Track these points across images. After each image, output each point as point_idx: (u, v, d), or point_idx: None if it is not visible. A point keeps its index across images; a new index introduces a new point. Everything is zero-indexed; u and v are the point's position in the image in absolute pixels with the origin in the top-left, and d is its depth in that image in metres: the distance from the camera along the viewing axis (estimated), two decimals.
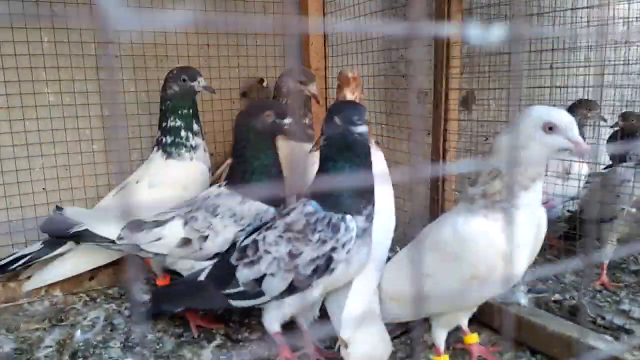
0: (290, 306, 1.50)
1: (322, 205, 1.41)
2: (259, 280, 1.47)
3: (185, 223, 1.77)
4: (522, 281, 1.66)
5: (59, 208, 1.96)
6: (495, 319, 1.65)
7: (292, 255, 1.42)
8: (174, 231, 1.78)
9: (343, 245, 1.39)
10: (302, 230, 1.41)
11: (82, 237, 1.87)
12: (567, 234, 2.30)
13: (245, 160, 1.77)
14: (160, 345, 1.71)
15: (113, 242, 1.83)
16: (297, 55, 2.71)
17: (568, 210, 2.60)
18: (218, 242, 1.73)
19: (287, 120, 1.76)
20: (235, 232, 1.71)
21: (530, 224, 1.33)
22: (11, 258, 1.97)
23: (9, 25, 2.03)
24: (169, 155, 2.07)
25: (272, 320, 1.53)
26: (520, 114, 1.32)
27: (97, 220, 1.88)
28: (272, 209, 1.74)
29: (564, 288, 2.00)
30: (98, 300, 2.03)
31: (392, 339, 1.71)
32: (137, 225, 1.81)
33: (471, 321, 1.68)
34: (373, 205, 1.43)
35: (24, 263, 1.96)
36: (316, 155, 2.14)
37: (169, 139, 2.07)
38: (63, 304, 2.01)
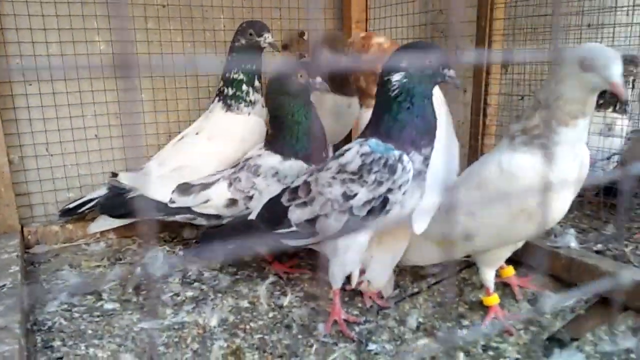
0: (346, 250, 1.51)
1: (382, 139, 1.41)
2: (312, 220, 1.49)
3: (230, 184, 1.84)
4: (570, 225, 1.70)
5: (114, 175, 2.00)
6: (544, 262, 1.69)
7: (347, 197, 1.42)
8: (220, 192, 1.84)
9: (400, 187, 1.39)
10: (357, 171, 1.41)
11: (137, 203, 1.91)
12: (606, 190, 2.31)
13: (284, 126, 1.77)
14: (217, 281, 1.79)
15: (166, 205, 1.88)
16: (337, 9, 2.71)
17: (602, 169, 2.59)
18: (263, 201, 1.74)
19: (318, 79, 1.75)
20: (279, 189, 1.71)
21: (573, 161, 1.37)
22: (79, 202, 2.07)
23: None
24: (228, 107, 2.10)
25: (337, 274, 1.53)
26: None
27: (151, 185, 1.94)
28: (313, 167, 1.73)
29: (605, 239, 2.03)
30: (152, 242, 2.11)
31: (440, 281, 1.79)
32: (185, 188, 1.88)
33: (519, 264, 1.73)
34: (432, 148, 1.44)
35: (90, 207, 2.05)
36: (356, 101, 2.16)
37: (230, 91, 2.10)
38: (118, 246, 2.10)
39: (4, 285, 1.53)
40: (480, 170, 1.50)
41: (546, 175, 1.35)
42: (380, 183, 1.39)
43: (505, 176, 1.39)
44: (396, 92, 1.37)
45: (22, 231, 2.05)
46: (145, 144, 2.34)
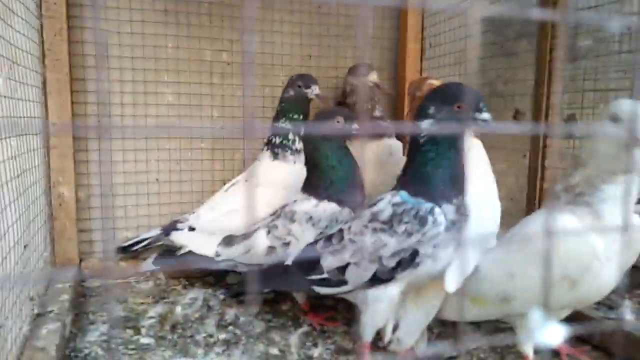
0: (376, 302, 1.49)
1: (411, 193, 1.39)
2: (343, 268, 1.47)
3: (268, 232, 1.86)
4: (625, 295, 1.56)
5: (167, 233, 2.11)
6: (595, 335, 1.55)
7: (377, 246, 1.41)
8: (260, 241, 1.87)
9: (430, 240, 1.34)
10: (388, 221, 1.39)
11: (187, 259, 2.01)
12: None
13: (320, 170, 1.79)
14: (251, 326, 1.79)
15: (213, 259, 1.94)
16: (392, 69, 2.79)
17: None
18: (300, 247, 1.75)
19: (356, 125, 1.78)
20: (314, 235, 1.74)
21: (621, 222, 1.27)
22: (133, 241, 2.19)
23: (141, 32, 2.30)
24: (275, 156, 2.19)
25: (367, 326, 1.49)
26: None
27: (198, 242, 2.03)
28: (346, 210, 1.75)
29: None
30: (196, 284, 2.17)
31: (480, 347, 1.68)
32: (229, 241, 1.93)
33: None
34: (464, 196, 1.38)
35: (144, 246, 2.17)
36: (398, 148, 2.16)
37: (277, 140, 2.19)
38: (165, 285, 2.17)
39: (52, 311, 1.62)
40: (522, 230, 1.44)
41: (593, 240, 1.26)
42: (409, 234, 1.36)
43: (547, 237, 1.31)
44: (423, 140, 1.36)
45: (80, 264, 2.18)
46: (201, 190, 2.47)
